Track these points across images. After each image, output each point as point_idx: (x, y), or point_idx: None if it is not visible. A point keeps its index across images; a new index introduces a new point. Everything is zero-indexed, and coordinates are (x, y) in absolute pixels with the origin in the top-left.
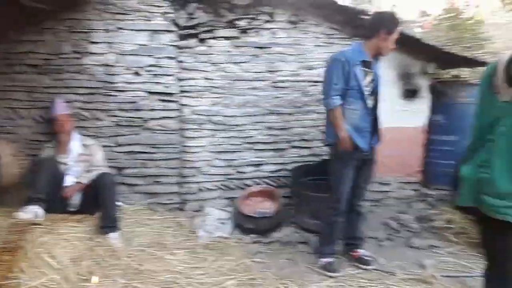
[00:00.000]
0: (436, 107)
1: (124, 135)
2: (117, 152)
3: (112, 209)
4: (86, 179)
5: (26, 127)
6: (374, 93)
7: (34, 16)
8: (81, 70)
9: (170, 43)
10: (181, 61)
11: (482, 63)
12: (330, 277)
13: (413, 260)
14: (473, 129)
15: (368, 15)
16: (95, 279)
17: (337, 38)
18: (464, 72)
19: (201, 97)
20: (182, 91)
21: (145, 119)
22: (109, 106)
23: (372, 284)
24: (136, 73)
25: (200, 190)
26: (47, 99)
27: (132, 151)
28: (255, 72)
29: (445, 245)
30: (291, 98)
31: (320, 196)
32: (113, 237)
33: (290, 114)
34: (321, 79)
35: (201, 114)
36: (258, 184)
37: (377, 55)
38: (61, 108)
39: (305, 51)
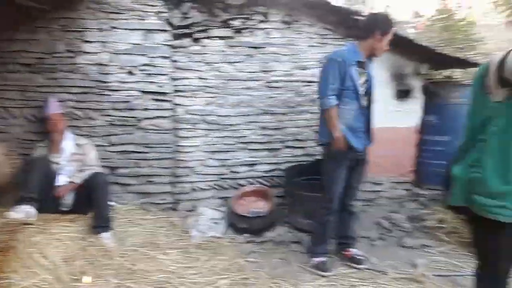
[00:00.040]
0: (429, 108)
1: (117, 135)
2: (110, 151)
3: (105, 209)
4: (79, 178)
5: (19, 126)
6: (368, 93)
7: (27, 14)
8: (75, 69)
9: (164, 43)
10: (175, 61)
11: (474, 64)
12: (323, 276)
13: (405, 259)
14: (465, 129)
15: (362, 15)
16: (86, 279)
17: (330, 38)
18: (457, 73)
19: (195, 97)
20: (176, 91)
21: (139, 119)
22: (103, 106)
23: (364, 283)
24: (130, 73)
25: (194, 189)
26: (40, 98)
27: (125, 151)
28: (249, 72)
29: (436, 244)
30: (285, 98)
31: (314, 196)
32: (106, 237)
33: (284, 114)
34: (315, 79)
35: (195, 114)
36: (251, 184)
37: (371, 56)
38: (54, 107)
39: (299, 51)
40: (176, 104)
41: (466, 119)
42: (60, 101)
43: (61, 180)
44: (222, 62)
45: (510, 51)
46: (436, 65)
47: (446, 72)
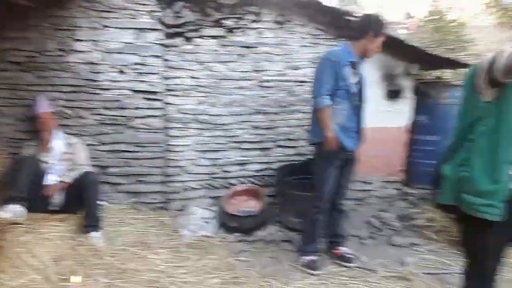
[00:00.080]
0: (419, 108)
1: (108, 134)
2: (101, 150)
3: (95, 208)
4: (68, 178)
5: (8, 125)
6: (360, 93)
7: (18, 12)
8: (65, 68)
9: (156, 42)
10: (167, 60)
11: (465, 65)
12: (313, 275)
13: (394, 257)
14: (455, 128)
15: (353, 16)
16: (75, 278)
17: (322, 38)
18: (447, 74)
19: (186, 96)
20: (168, 90)
21: (130, 118)
22: (93, 105)
23: (354, 282)
24: (121, 71)
25: (185, 189)
26: (30, 97)
27: (116, 150)
28: (242, 71)
29: (426, 243)
30: (277, 97)
31: (305, 195)
32: (96, 237)
33: (276, 113)
34: (307, 79)
35: (187, 113)
36: (243, 183)
37: (363, 56)
38: (44, 106)
39: (291, 51)
40: (168, 103)
41: (457, 118)
42: (50, 99)
43: (51, 179)
44: (214, 62)
45: (500, 52)
46: (427, 66)
47: (437, 73)
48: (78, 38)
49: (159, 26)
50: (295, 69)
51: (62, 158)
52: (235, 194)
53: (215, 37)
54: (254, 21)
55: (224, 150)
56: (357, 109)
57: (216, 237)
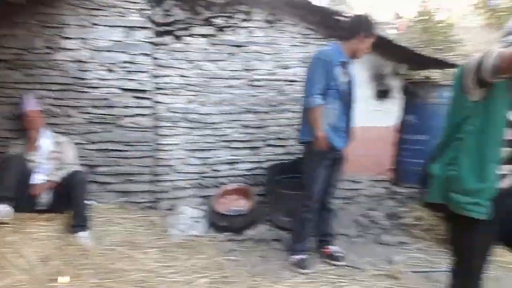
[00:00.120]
0: (408, 107)
1: (96, 133)
2: (89, 149)
3: (83, 207)
4: (56, 177)
5: None
6: (350, 93)
7: (5, 10)
8: (53, 65)
9: (145, 40)
10: (156, 58)
11: (453, 65)
12: (302, 273)
13: (383, 256)
14: (444, 128)
15: (343, 16)
16: (63, 279)
17: (313, 38)
18: (435, 74)
19: (176, 95)
20: (157, 88)
21: (118, 116)
22: (82, 103)
23: (343, 280)
24: (110, 70)
25: (174, 188)
26: (17, 95)
27: (105, 149)
28: (232, 70)
29: (413, 241)
30: (267, 97)
31: (295, 194)
32: (84, 236)
33: (266, 112)
34: (297, 78)
35: (176, 112)
36: (233, 182)
37: (353, 57)
38: (31, 104)
39: (281, 51)
40: (157, 102)
41: (446, 118)
42: (38, 98)
43: (38, 178)
44: (204, 60)
45: (487, 52)
46: (416, 66)
47: (425, 73)
48: (66, 36)
49: (148, 24)
50: (285, 69)
51: (50, 157)
52: (225, 194)
53: (205, 36)
54: (244, 20)
55: (214, 149)
56: (347, 109)
57: (205, 236)
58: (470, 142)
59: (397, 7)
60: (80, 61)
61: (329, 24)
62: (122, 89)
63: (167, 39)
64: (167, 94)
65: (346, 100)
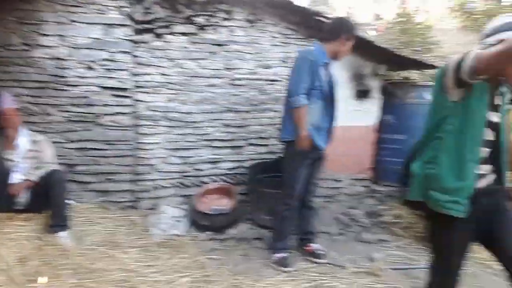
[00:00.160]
0: (387, 107)
1: (75, 131)
2: (68, 148)
3: (62, 207)
4: (34, 176)
5: None
6: (332, 94)
7: None
8: (31, 63)
9: (125, 38)
10: (136, 56)
11: (430, 66)
12: (284, 271)
13: (363, 253)
14: (424, 127)
15: (324, 17)
16: (42, 279)
17: (293, 38)
18: (413, 74)
19: (156, 93)
20: (137, 87)
21: (98, 115)
22: (60, 101)
23: (324, 278)
24: (89, 67)
25: (155, 187)
26: None
27: (84, 148)
28: (213, 69)
29: (393, 239)
30: (248, 96)
31: (276, 193)
32: (63, 236)
33: (247, 112)
34: (278, 78)
35: (157, 110)
36: (215, 181)
37: (334, 58)
38: (8, 102)
39: (262, 50)
40: (137, 100)
41: (426, 117)
42: (15, 95)
43: (16, 177)
44: (185, 59)
45: (467, 53)
46: (394, 67)
47: (404, 73)
48: (44, 33)
49: (128, 22)
50: (266, 68)
51: (27, 156)
52: (207, 193)
53: (186, 34)
54: (225, 19)
55: (195, 148)
56: (329, 109)
57: (187, 235)
58: (449, 141)
59: (376, 8)
60: (58, 59)
61: (310, 25)
62: (102, 87)
63: (147, 37)
64: (147, 93)
65: (328, 100)
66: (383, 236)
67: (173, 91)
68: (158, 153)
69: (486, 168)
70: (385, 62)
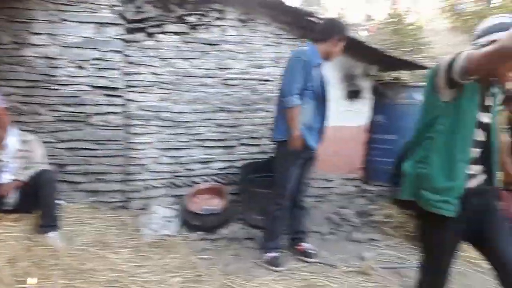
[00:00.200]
0: (377, 108)
1: (66, 131)
2: (59, 148)
3: (52, 207)
4: (24, 176)
5: None
6: (324, 94)
7: None
8: (21, 62)
9: (116, 37)
10: (127, 55)
11: (421, 67)
12: (275, 271)
13: (354, 253)
14: (416, 126)
15: (316, 17)
16: (32, 280)
17: (285, 38)
18: (404, 75)
19: (148, 93)
20: (128, 86)
21: (89, 114)
22: (51, 100)
23: (315, 277)
24: (80, 67)
25: (146, 188)
26: None
27: (75, 147)
28: (205, 68)
29: (383, 238)
30: (241, 96)
31: (268, 192)
32: (54, 237)
33: (239, 111)
34: (270, 78)
35: (148, 110)
36: (206, 181)
37: (326, 58)
38: None
39: (254, 50)
40: (128, 100)
41: (418, 117)
42: (4, 94)
43: (5, 178)
44: (177, 58)
45: (458, 53)
46: (385, 67)
47: (395, 74)
48: (34, 31)
49: (120, 21)
50: (258, 68)
51: (17, 156)
52: (198, 193)
53: (178, 34)
54: (217, 18)
55: (187, 148)
56: (321, 110)
57: (178, 236)
58: (440, 141)
59: (368, 9)
60: (48, 57)
61: (302, 25)
62: (93, 86)
63: (139, 36)
64: (139, 92)
65: (320, 100)
66: (373, 235)
67: (165, 91)
68: (150, 153)
69: (476, 169)
70: (376, 62)
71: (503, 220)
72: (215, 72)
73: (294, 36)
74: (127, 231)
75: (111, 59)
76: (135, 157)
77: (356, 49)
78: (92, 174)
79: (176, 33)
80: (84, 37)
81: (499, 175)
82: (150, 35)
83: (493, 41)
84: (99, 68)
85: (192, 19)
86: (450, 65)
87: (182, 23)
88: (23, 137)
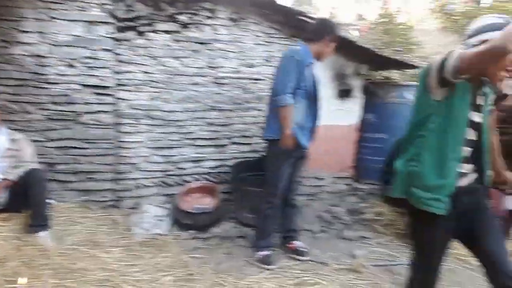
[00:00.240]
0: (368, 107)
1: (56, 130)
2: (49, 147)
3: (42, 206)
4: (13, 175)
5: None
6: (316, 94)
7: None
8: (10, 60)
9: (107, 35)
10: (118, 54)
11: (411, 66)
12: (267, 269)
13: (345, 251)
14: (408, 125)
15: (307, 16)
16: (22, 280)
17: (276, 37)
18: (395, 74)
19: (139, 91)
20: (119, 85)
21: (79, 113)
22: (40, 99)
23: (307, 275)
24: (70, 65)
25: (137, 187)
26: None
27: (65, 146)
28: (196, 67)
29: (374, 236)
30: (232, 94)
31: (260, 191)
32: (44, 236)
33: (230, 110)
34: (261, 77)
35: (139, 109)
36: (198, 180)
37: (317, 58)
38: None
39: (245, 49)
40: (119, 99)
41: (410, 115)
42: None
43: None
44: (168, 57)
45: (450, 53)
46: (376, 66)
47: (385, 73)
48: (23, 30)
49: (110, 19)
50: (249, 67)
51: (6, 155)
52: (190, 192)
53: (169, 32)
54: (208, 17)
55: (178, 147)
56: (313, 109)
57: (169, 235)
58: (432, 140)
59: (359, 9)
60: (38, 56)
61: (293, 24)
62: (83, 85)
63: (129, 34)
64: (129, 91)
65: (312, 99)
66: (364, 233)
67: (156, 89)
68: (140, 151)
69: (467, 167)
70: (367, 62)
71: (493, 218)
72: (206, 71)
73: (285, 36)
74: (118, 230)
75: (102, 58)
76: (126, 156)
77: (347, 48)
78: (83, 173)
79: (167, 32)
80: (74, 36)
81: (489, 174)
82: (141, 33)
83: (484, 41)
84: (90, 66)
85: (183, 18)
86: (442, 64)
87: (173, 21)
88: (12, 136)
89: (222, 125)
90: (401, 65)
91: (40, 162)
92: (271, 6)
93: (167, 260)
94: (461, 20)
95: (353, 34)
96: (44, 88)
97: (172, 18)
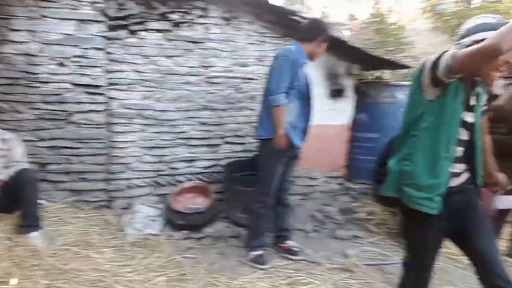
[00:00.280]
0: (360, 106)
1: (47, 129)
2: (40, 147)
3: (33, 207)
4: (3, 175)
5: None
6: (308, 93)
7: None
8: (0, 59)
9: (98, 34)
10: (110, 53)
11: (403, 66)
12: (260, 269)
13: (337, 250)
14: (401, 124)
15: (300, 16)
16: (14, 281)
17: (269, 36)
18: (386, 74)
19: (131, 91)
20: (111, 84)
21: (70, 113)
22: (31, 98)
23: (300, 274)
24: (61, 64)
25: (129, 187)
26: None
27: (56, 146)
28: (188, 66)
29: (366, 235)
30: (225, 94)
31: (253, 191)
32: (35, 236)
33: (223, 110)
34: (254, 76)
35: (131, 108)
36: (190, 180)
37: (310, 58)
38: None
39: (238, 48)
40: (111, 98)
41: (403, 115)
42: None
43: None
44: (159, 56)
45: (443, 52)
46: (368, 66)
47: (377, 73)
48: (14, 28)
49: (101, 18)
50: (242, 66)
51: None
52: (182, 191)
53: (161, 31)
54: (201, 16)
55: (171, 147)
56: (305, 109)
57: (162, 235)
58: (425, 139)
59: (351, 8)
60: (29, 55)
61: (285, 24)
62: (74, 84)
63: (121, 33)
64: (121, 90)
65: (305, 99)
66: (357, 232)
67: (148, 89)
68: (133, 151)
69: (460, 167)
70: (359, 61)
71: (484, 218)
72: (199, 70)
73: (277, 35)
74: (110, 230)
75: (93, 57)
76: (118, 156)
77: (339, 48)
78: (74, 173)
79: (159, 31)
80: (65, 34)
81: (481, 174)
82: (133, 32)
83: (477, 41)
84: (81, 65)
85: (175, 16)
86: (435, 63)
87: (165, 20)
88: (2, 135)
89: (215, 124)
90: (393, 65)
91: (31, 162)
92: (263, 5)
93: (160, 260)
94: (452, 20)
95: (344, 34)
96: (35, 87)
97: (164, 17)
